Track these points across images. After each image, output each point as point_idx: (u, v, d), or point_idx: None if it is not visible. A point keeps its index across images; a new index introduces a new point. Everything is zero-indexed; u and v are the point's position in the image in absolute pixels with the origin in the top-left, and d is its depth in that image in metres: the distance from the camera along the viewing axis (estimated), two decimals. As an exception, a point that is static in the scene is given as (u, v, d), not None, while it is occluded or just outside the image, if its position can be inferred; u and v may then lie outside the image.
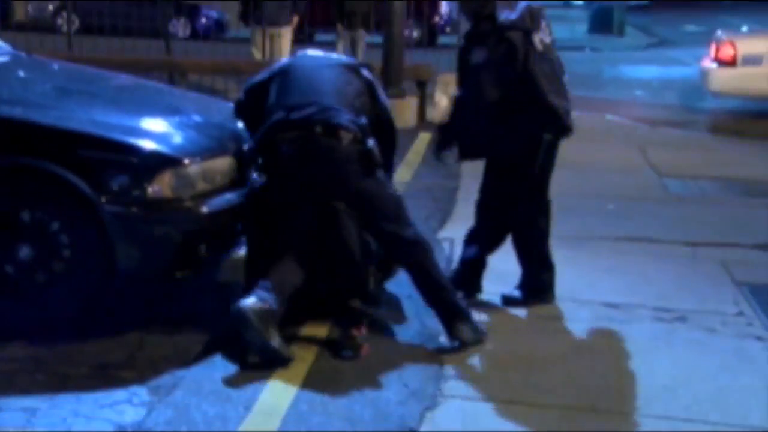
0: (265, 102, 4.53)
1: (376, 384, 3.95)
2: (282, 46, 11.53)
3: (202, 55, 12.18)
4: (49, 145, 4.19)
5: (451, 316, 4.32)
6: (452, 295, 4.38)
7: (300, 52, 4.95)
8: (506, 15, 4.62)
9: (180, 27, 19.88)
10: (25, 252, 4.19)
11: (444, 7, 20.56)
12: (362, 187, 4.33)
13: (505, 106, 4.56)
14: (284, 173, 4.32)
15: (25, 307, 4.22)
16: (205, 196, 4.32)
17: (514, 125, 4.60)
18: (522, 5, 4.62)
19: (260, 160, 4.39)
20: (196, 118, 5.02)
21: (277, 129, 4.31)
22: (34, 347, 4.09)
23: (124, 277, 4.25)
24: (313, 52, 4.94)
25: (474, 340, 4.29)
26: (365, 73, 4.73)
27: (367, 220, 4.41)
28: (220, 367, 4.04)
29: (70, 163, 4.11)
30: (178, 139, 4.49)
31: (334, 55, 5.12)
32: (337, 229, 4.42)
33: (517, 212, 4.81)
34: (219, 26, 21.03)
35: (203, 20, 20.72)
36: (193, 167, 4.30)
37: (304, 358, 4.14)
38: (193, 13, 20.53)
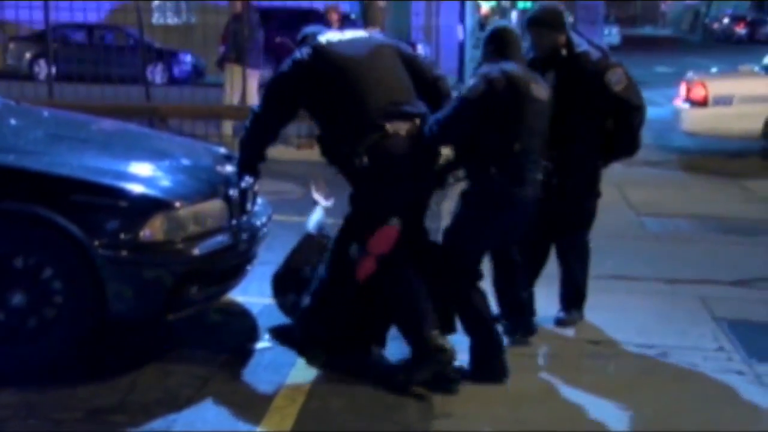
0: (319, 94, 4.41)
1: (366, 422, 4.00)
2: (251, 87, 11.77)
3: (182, 100, 12.27)
4: (42, 190, 4.24)
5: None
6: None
7: (330, 36, 4.62)
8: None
9: (158, 73, 19.98)
10: (17, 298, 4.21)
11: (420, 51, 20.79)
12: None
13: None
14: (396, 171, 4.32)
15: (18, 352, 4.24)
16: (196, 238, 4.38)
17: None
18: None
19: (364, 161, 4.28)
20: (185, 161, 5.09)
21: (385, 121, 4.28)
22: (26, 392, 4.10)
23: (116, 320, 4.29)
24: (345, 35, 4.69)
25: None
26: (404, 49, 4.70)
27: (421, 211, 4.60)
28: (211, 410, 4.08)
29: (62, 209, 4.16)
30: (168, 182, 4.56)
31: (364, 35, 4.86)
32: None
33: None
34: (196, 72, 21.16)
35: (181, 66, 20.83)
36: (183, 210, 4.36)
37: (295, 399, 4.18)
38: (170, 59, 20.64)
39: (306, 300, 4.68)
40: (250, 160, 4.72)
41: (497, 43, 4.54)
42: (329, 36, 4.61)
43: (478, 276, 4.56)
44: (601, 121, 5.00)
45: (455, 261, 4.50)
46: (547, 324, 5.13)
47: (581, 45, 4.99)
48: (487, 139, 4.37)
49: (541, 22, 4.95)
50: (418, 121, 4.37)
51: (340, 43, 4.52)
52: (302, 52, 4.47)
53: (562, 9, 5.15)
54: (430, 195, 4.68)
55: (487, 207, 4.44)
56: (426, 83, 4.59)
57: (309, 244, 4.97)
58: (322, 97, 4.40)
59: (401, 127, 4.30)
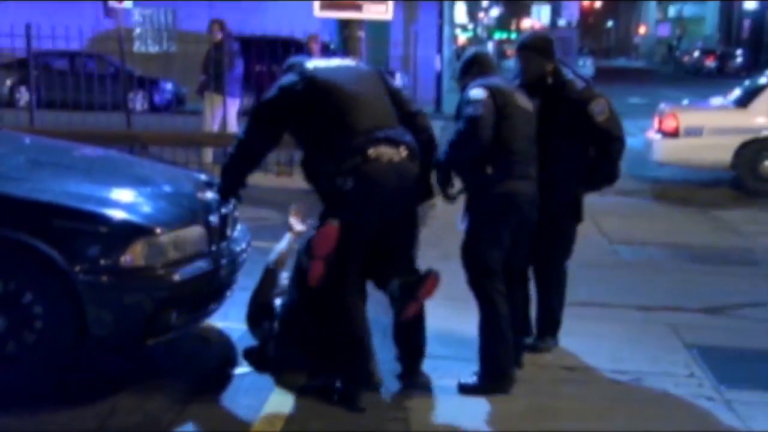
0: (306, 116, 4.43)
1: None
2: (230, 115, 11.81)
3: (162, 128, 12.27)
4: (23, 216, 4.25)
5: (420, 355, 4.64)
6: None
7: (317, 62, 4.74)
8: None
9: (139, 100, 19.96)
10: (-2, 323, 4.20)
11: (398, 80, 20.92)
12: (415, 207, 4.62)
13: None
14: (371, 192, 4.32)
15: (-3, 376, 4.22)
16: (177, 264, 4.39)
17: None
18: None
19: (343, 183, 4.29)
20: (166, 188, 5.10)
21: (369, 145, 4.28)
22: (5, 417, 4.08)
23: (96, 344, 4.29)
24: (333, 64, 4.81)
25: None
26: (388, 78, 4.77)
27: (404, 243, 4.60)
28: (190, 434, 4.09)
29: (44, 234, 4.17)
30: (149, 209, 4.57)
31: (350, 64, 5.03)
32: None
33: None
34: (177, 99, 21.16)
35: (161, 94, 20.83)
36: (164, 236, 4.37)
37: (274, 423, 4.18)
38: (151, 86, 20.63)
39: (276, 327, 4.70)
40: (233, 186, 4.74)
41: (479, 64, 4.88)
42: (316, 63, 4.70)
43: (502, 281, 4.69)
44: (582, 148, 5.09)
45: (480, 269, 4.65)
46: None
47: (567, 74, 5.09)
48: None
49: (531, 47, 5.09)
50: (403, 149, 4.37)
51: (327, 69, 4.60)
52: (289, 78, 4.51)
53: (553, 38, 5.27)
54: (413, 224, 4.66)
55: (492, 209, 4.62)
56: (406, 116, 4.61)
57: (269, 276, 4.97)
58: (308, 121, 4.43)
59: (384, 153, 4.30)
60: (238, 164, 4.67)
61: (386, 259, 4.52)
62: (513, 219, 4.67)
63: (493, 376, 4.64)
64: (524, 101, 4.76)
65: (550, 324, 5.29)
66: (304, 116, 4.43)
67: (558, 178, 5.00)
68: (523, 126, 4.70)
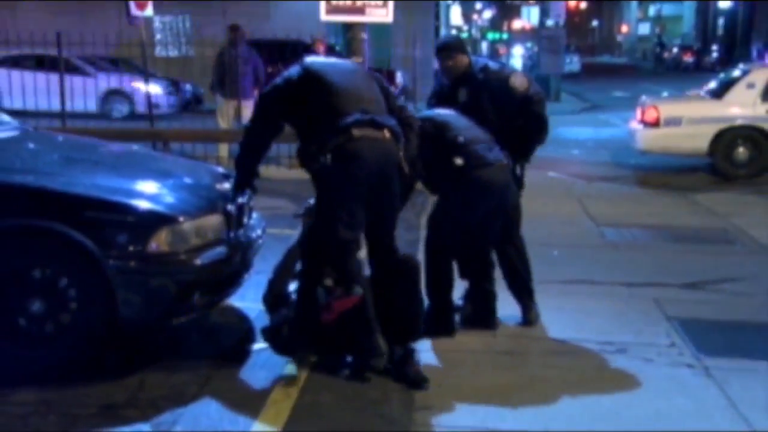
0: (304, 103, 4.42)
1: (354, 414, 4.03)
2: (245, 116, 11.78)
3: (182, 125, 12.28)
4: (58, 208, 4.26)
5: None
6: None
7: (315, 60, 4.71)
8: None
9: (161, 101, 19.94)
10: (36, 306, 4.23)
11: (399, 78, 20.88)
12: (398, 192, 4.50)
13: None
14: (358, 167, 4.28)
15: (36, 355, 4.25)
16: (198, 250, 4.40)
17: None
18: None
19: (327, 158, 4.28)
20: (187, 180, 5.10)
21: (352, 126, 4.26)
22: (45, 392, 4.12)
23: (126, 324, 4.31)
24: (330, 60, 4.89)
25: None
26: (380, 79, 4.78)
27: (385, 225, 4.51)
28: (214, 405, 4.10)
29: (76, 224, 4.18)
30: (172, 199, 4.58)
31: (348, 61, 5.08)
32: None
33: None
34: (196, 99, 21.17)
35: (181, 94, 20.82)
36: (186, 224, 4.39)
37: (289, 394, 4.21)
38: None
39: (290, 312, 4.70)
40: (247, 176, 4.75)
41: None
42: (315, 58, 4.77)
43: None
44: (511, 120, 5.21)
45: (438, 252, 4.80)
46: (511, 324, 5.23)
47: (479, 61, 5.33)
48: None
49: (450, 47, 5.30)
50: (387, 131, 4.38)
51: (323, 63, 4.66)
52: (290, 70, 4.56)
53: (459, 36, 5.54)
54: (393, 207, 4.55)
55: (464, 195, 4.73)
56: (392, 110, 4.61)
57: (288, 262, 4.92)
58: (302, 108, 4.43)
59: (368, 133, 4.29)
60: (250, 151, 4.66)
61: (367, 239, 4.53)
62: (484, 207, 4.84)
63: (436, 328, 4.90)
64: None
65: (526, 290, 5.29)
66: (299, 104, 4.43)
67: None
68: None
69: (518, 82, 5.20)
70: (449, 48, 5.28)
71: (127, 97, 18.11)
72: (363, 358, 4.40)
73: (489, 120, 5.12)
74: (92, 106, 14.17)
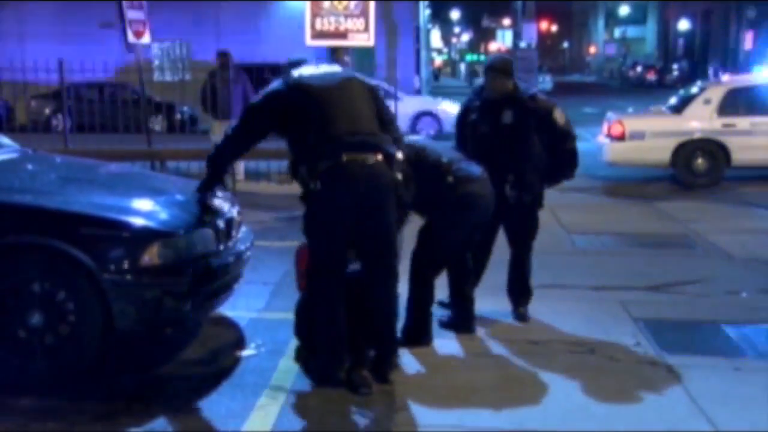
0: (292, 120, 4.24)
1: (339, 417, 4.00)
2: None
3: (178, 145, 12.21)
4: (56, 225, 4.22)
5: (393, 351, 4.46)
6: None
7: (303, 70, 4.43)
8: None
9: (158, 122, 19.86)
10: (36, 318, 4.18)
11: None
12: (393, 215, 4.26)
13: None
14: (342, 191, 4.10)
15: (36, 365, 4.20)
16: (190, 262, 4.37)
17: None
18: None
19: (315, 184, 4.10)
20: (180, 197, 5.03)
21: (342, 150, 4.06)
22: (44, 400, 4.07)
23: (121, 335, 4.26)
24: (320, 69, 4.49)
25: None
26: (377, 92, 4.50)
27: (377, 243, 4.23)
28: (205, 410, 4.06)
29: (73, 240, 4.15)
30: (164, 215, 4.54)
31: (337, 70, 4.63)
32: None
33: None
34: (192, 121, 21.07)
35: (177, 116, 20.74)
36: (178, 239, 4.35)
37: (277, 398, 4.17)
38: (169, 110, 20.55)
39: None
40: (218, 174, 4.67)
41: None
42: (302, 70, 4.43)
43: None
44: (546, 149, 5.30)
45: (425, 266, 4.75)
46: (495, 324, 5.23)
47: (529, 89, 5.37)
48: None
49: (495, 69, 5.29)
50: (379, 154, 4.15)
51: (312, 76, 4.35)
52: (276, 84, 4.38)
53: (512, 59, 5.56)
54: (388, 231, 4.27)
55: (456, 210, 4.70)
56: (382, 123, 4.37)
57: None
58: (292, 123, 4.25)
59: (356, 157, 4.08)
60: (224, 154, 4.56)
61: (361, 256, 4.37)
62: (472, 221, 4.83)
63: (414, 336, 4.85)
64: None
65: (527, 294, 5.49)
66: (287, 119, 4.26)
67: (530, 175, 5.26)
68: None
69: (559, 116, 5.25)
70: (495, 69, 5.28)
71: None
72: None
73: (529, 144, 5.21)
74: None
